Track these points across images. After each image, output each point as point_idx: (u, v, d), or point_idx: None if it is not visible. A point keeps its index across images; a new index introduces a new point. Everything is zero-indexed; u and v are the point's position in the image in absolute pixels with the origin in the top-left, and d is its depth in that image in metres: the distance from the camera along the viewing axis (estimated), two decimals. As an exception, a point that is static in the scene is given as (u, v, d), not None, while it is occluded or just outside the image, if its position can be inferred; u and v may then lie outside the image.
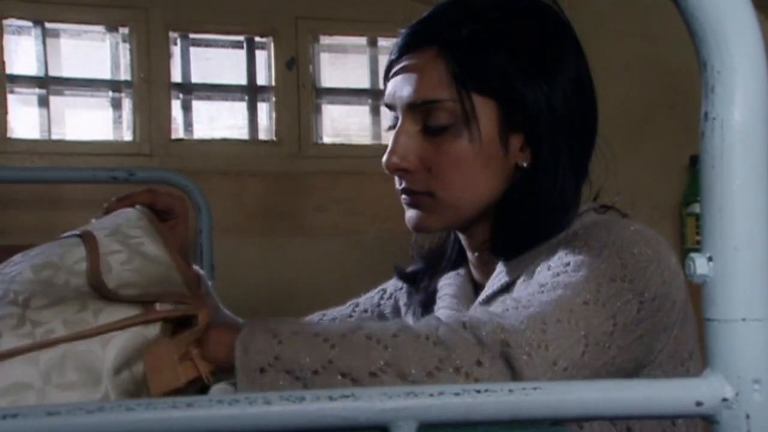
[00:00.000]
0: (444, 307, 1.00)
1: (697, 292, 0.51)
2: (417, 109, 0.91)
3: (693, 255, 0.48)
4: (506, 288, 0.92)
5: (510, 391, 0.44)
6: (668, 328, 0.85)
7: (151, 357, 0.69)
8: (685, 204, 2.24)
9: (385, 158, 0.93)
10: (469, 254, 1.00)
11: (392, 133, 0.94)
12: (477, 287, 1.00)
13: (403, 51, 0.93)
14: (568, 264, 0.81)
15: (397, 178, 0.95)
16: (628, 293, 0.80)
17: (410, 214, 0.95)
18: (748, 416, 0.46)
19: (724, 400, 0.46)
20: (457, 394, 0.44)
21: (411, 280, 1.10)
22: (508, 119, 0.90)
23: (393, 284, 1.13)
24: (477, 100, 0.89)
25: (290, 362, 0.69)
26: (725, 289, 0.47)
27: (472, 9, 0.92)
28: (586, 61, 0.95)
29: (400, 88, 0.92)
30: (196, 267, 1.10)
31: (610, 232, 0.86)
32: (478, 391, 0.44)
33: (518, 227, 0.92)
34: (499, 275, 0.94)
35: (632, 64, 2.25)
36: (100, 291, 0.73)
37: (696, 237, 2.21)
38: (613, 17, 2.26)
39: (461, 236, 1.00)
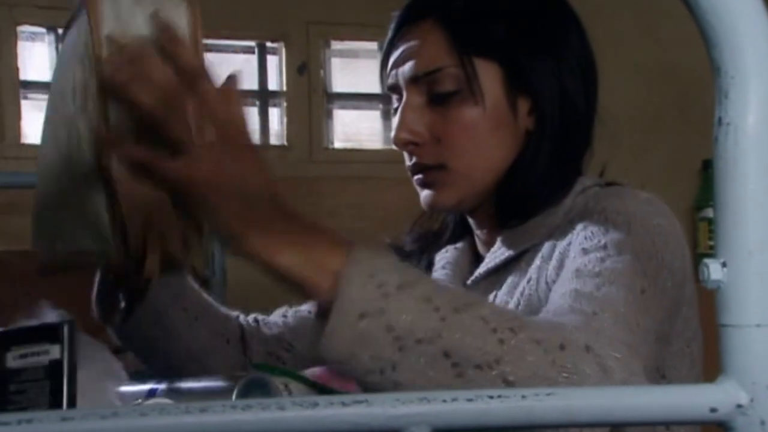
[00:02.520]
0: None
1: (710, 297, 0.51)
2: (420, 81, 0.91)
3: (707, 260, 0.48)
4: (511, 261, 0.91)
5: (523, 396, 0.44)
6: (684, 304, 0.85)
7: None
8: (697, 208, 2.23)
9: (393, 134, 0.92)
10: (478, 232, 0.99)
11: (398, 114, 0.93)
12: (480, 261, 0.98)
13: (399, 29, 0.94)
14: (605, 246, 0.80)
15: (406, 155, 0.94)
16: (663, 270, 0.80)
17: (424, 193, 0.94)
18: (763, 422, 0.46)
19: (739, 406, 0.46)
20: (470, 400, 0.44)
21: (405, 258, 1.08)
22: (513, 82, 0.90)
23: None
24: (479, 63, 0.89)
25: (394, 320, 0.62)
26: (739, 295, 0.47)
27: None
28: (586, 35, 0.95)
29: (401, 65, 0.93)
30: None
31: (624, 201, 0.85)
32: (491, 397, 0.44)
33: (521, 191, 0.91)
34: (500, 249, 0.93)
35: (643, 69, 2.24)
36: None
37: (708, 242, 2.20)
38: (623, 21, 2.26)
39: (470, 216, 0.99)
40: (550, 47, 0.91)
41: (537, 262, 0.88)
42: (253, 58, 2.31)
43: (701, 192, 2.23)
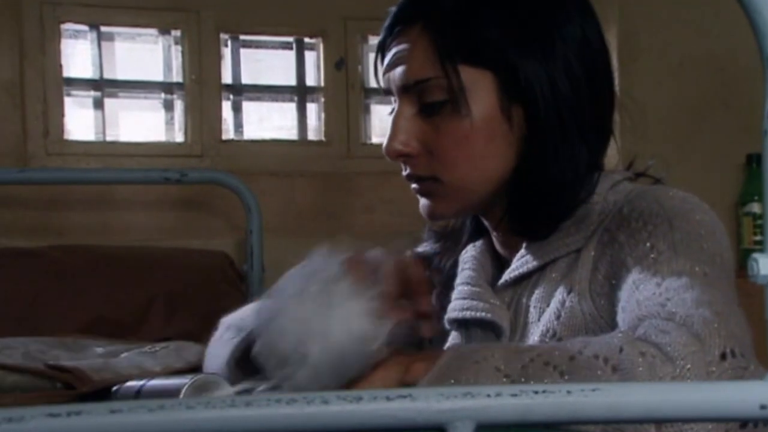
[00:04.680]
0: (463, 283, 0.95)
1: (759, 293, 0.50)
2: (411, 90, 0.88)
3: (756, 255, 0.47)
4: (539, 269, 0.88)
5: (568, 392, 0.44)
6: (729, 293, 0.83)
7: None
8: (741, 203, 2.19)
9: (385, 144, 0.89)
10: (493, 233, 0.96)
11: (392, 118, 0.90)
12: (501, 260, 0.96)
13: (391, 31, 0.90)
14: (653, 248, 0.78)
15: (402, 164, 0.91)
16: (716, 257, 0.78)
17: (422, 202, 0.92)
18: (814, 420, 0.45)
19: (789, 403, 0.45)
20: (514, 395, 0.44)
21: (426, 262, 1.06)
22: (507, 90, 0.86)
23: None
24: (468, 72, 0.85)
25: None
26: (790, 291, 0.46)
27: None
28: (596, 21, 0.90)
29: (392, 71, 0.89)
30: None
31: (660, 203, 0.82)
32: (536, 392, 0.44)
33: (532, 202, 0.87)
34: (526, 257, 0.90)
35: (686, 62, 2.21)
36: None
37: (753, 237, 2.17)
38: (665, 15, 2.22)
39: (482, 217, 0.96)
40: (543, 47, 0.86)
41: (580, 272, 0.85)
42: (291, 54, 2.32)
43: (745, 187, 2.20)
